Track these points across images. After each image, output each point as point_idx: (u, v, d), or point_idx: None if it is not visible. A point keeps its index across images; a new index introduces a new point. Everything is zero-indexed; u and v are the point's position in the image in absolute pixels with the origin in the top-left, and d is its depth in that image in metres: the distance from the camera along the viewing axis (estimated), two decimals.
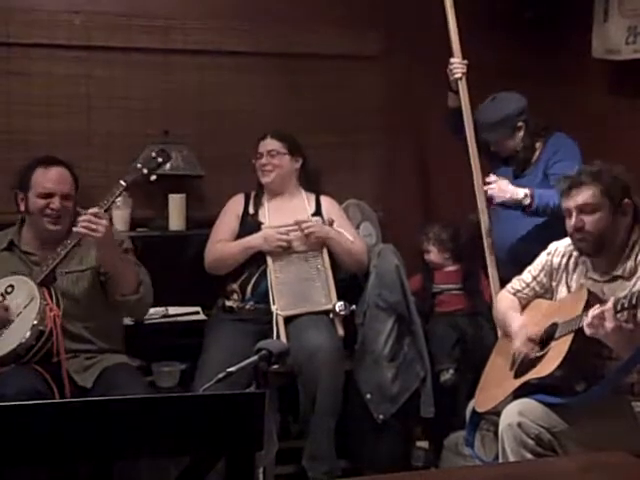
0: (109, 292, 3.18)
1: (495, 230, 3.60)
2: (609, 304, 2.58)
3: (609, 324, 2.56)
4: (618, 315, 2.56)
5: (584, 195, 2.78)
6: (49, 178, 3.15)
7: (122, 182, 3.15)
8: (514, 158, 3.66)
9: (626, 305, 2.55)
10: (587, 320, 2.62)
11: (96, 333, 3.18)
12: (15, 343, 2.94)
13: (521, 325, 2.97)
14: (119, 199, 3.28)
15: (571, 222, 2.83)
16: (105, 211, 3.08)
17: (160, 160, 3.23)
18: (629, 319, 2.59)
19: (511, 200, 3.42)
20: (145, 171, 3.20)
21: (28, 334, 2.94)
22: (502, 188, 3.44)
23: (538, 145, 3.63)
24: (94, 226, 3.00)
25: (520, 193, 3.40)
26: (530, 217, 3.44)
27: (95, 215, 3.02)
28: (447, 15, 3.65)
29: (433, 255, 4.03)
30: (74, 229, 3.05)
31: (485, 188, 3.51)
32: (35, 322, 2.96)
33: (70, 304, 3.11)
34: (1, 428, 1.46)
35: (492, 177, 3.50)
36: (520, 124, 3.61)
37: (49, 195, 3.13)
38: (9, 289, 3.05)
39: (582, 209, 2.79)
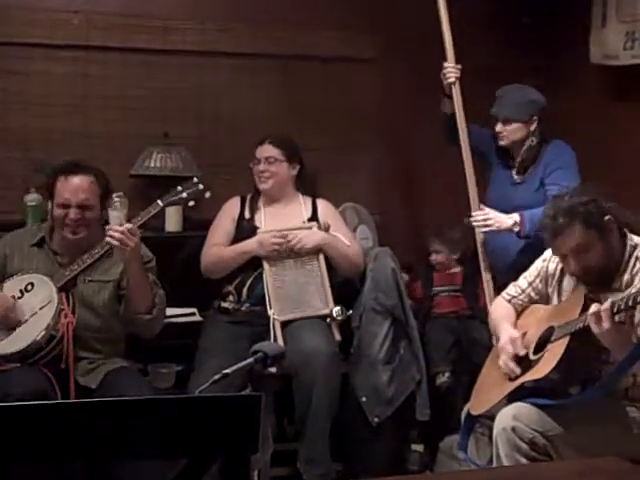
0: (124, 307, 3.18)
1: (492, 237, 3.60)
2: (606, 304, 2.58)
3: (606, 324, 2.56)
4: (615, 317, 2.56)
5: (571, 239, 2.74)
6: (67, 188, 3.13)
7: (159, 202, 3.17)
8: (518, 154, 3.64)
9: (622, 307, 2.55)
10: (588, 315, 2.62)
11: (105, 343, 3.19)
12: (26, 342, 2.95)
13: (508, 340, 2.93)
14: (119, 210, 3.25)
15: (571, 266, 2.80)
16: (138, 227, 3.11)
17: (201, 187, 3.22)
18: (625, 320, 2.59)
19: (498, 229, 3.45)
20: (184, 195, 3.21)
21: (40, 336, 2.95)
22: (487, 221, 3.47)
23: (540, 149, 3.63)
24: (127, 240, 3.03)
25: (508, 222, 3.42)
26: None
27: (129, 230, 3.03)
28: (441, 19, 3.65)
29: (442, 256, 4.02)
30: (106, 239, 3.06)
31: (471, 220, 3.53)
32: (50, 323, 2.96)
33: (86, 312, 3.12)
34: (2, 427, 1.47)
35: (480, 211, 3.52)
36: (536, 117, 3.60)
37: (66, 206, 3.12)
38: (29, 287, 3.06)
39: (575, 251, 2.75)
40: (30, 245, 3.21)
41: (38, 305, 3.02)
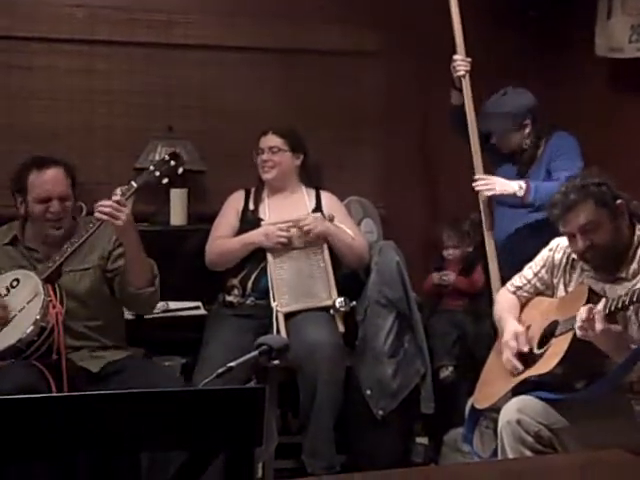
0: (122, 286, 3.15)
1: (498, 228, 3.59)
2: (599, 306, 2.57)
3: (598, 326, 2.55)
4: (608, 317, 2.55)
5: (582, 215, 2.72)
6: (45, 181, 3.09)
7: (133, 183, 3.12)
8: (520, 155, 3.65)
9: (613, 308, 2.55)
10: (577, 323, 2.61)
11: (98, 331, 3.18)
12: (16, 337, 2.93)
13: (512, 335, 2.93)
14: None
15: (578, 244, 2.77)
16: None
17: (173, 163, 3.19)
18: (619, 320, 2.58)
19: (502, 193, 3.44)
20: (157, 174, 3.18)
21: (30, 329, 2.93)
22: (490, 183, 3.47)
23: (541, 144, 3.63)
24: (117, 213, 2.99)
25: (512, 186, 3.42)
26: (533, 212, 3.44)
27: (118, 202, 3.01)
28: (451, 12, 3.64)
29: (460, 251, 4.02)
30: (96, 214, 3.02)
31: (473, 185, 3.52)
32: (37, 317, 2.94)
33: (73, 303, 3.10)
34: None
35: (482, 176, 3.52)
36: (527, 121, 3.61)
37: (47, 199, 3.09)
38: (14, 283, 3.04)
39: (585, 229, 2.73)
40: (3, 245, 3.19)
41: (25, 300, 3.00)
